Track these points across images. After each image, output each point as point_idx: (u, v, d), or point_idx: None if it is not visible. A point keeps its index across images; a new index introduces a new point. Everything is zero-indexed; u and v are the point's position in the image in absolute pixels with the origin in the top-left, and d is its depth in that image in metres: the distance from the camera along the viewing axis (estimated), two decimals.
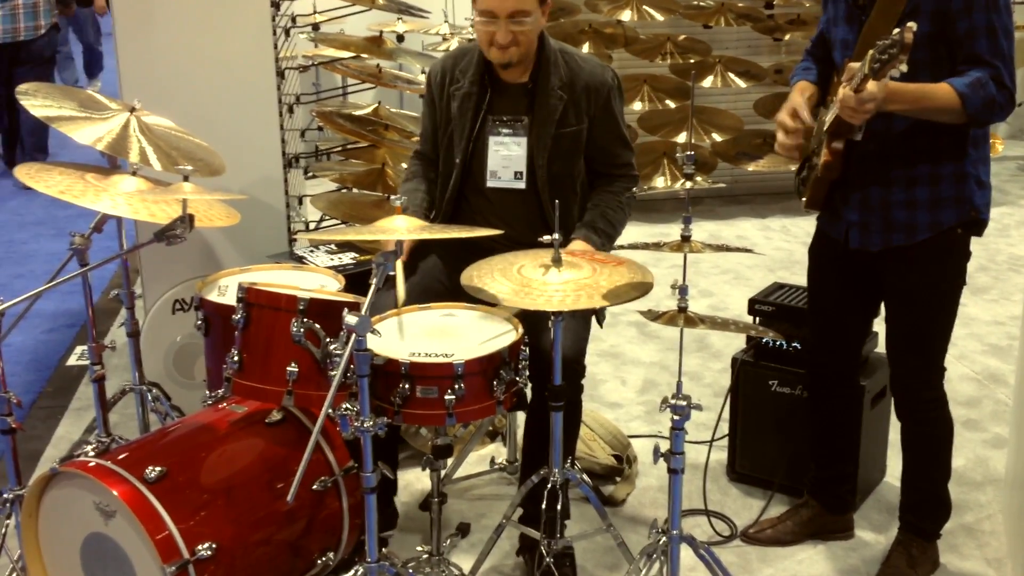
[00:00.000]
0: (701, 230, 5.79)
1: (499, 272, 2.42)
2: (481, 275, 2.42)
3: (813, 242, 2.86)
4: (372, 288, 2.21)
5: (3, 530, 2.58)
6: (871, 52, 2.24)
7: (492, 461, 3.33)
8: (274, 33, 3.44)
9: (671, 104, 5.87)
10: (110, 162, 2.84)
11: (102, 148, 2.68)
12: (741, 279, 5.09)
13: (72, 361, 4.30)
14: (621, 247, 2.74)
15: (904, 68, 2.19)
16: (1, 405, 2.45)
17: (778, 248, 5.58)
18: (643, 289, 2.32)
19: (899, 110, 2.42)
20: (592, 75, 2.86)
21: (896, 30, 2.18)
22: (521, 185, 2.88)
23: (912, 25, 2.16)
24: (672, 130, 5.92)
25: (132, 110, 2.82)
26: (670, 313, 2.30)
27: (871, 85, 2.30)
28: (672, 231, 5.70)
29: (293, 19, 4.34)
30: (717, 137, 5.95)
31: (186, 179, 2.49)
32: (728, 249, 2.47)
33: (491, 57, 2.82)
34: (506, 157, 2.89)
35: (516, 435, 3.28)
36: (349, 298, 2.49)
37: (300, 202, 4.18)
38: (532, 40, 2.80)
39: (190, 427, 2.57)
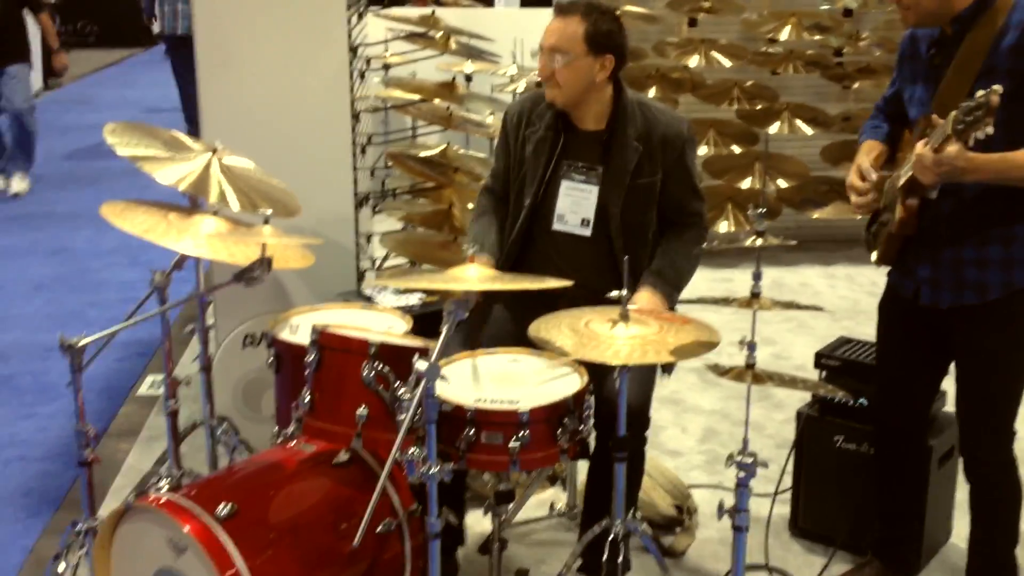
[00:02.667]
0: (765, 277, 5.71)
1: (567, 325, 2.44)
2: (548, 328, 2.44)
3: (883, 298, 2.85)
4: (443, 335, 2.24)
5: (76, 561, 2.64)
6: (954, 113, 2.24)
7: (552, 506, 3.34)
8: (351, 76, 3.52)
9: (736, 149, 5.87)
10: (191, 201, 2.92)
11: (184, 188, 2.76)
12: (805, 328, 5.05)
13: (143, 391, 4.39)
14: (690, 301, 2.75)
15: (990, 131, 2.20)
16: (80, 437, 2.52)
17: (843, 297, 5.53)
18: (709, 347, 2.33)
19: (980, 180, 2.41)
20: (668, 127, 2.89)
21: (981, 92, 2.18)
22: (587, 232, 2.91)
23: (998, 88, 2.16)
24: (737, 175, 5.92)
25: (214, 151, 2.90)
26: (737, 369, 2.30)
27: (952, 149, 2.29)
28: (734, 276, 5.70)
29: (368, 61, 4.43)
30: (783, 183, 5.93)
31: (266, 222, 2.55)
32: (797, 307, 2.46)
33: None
34: (576, 202, 2.92)
35: (576, 480, 3.29)
36: (419, 343, 2.52)
37: (368, 240, 4.25)
38: (573, 84, 2.83)
39: (260, 465, 2.62)
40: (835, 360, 3.17)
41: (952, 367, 2.74)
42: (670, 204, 2.95)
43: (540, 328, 2.45)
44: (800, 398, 3.35)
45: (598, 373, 2.56)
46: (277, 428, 2.72)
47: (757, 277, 2.29)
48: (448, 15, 4.58)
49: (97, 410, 4.16)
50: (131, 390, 4.40)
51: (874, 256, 2.76)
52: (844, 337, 3.33)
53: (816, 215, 5.94)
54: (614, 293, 2.43)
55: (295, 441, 2.68)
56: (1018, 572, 2.79)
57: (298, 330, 2.77)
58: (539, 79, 2.92)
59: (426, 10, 4.48)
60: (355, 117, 3.62)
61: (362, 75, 4.07)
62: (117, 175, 8.01)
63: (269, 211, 2.60)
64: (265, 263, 2.43)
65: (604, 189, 2.88)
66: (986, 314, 2.58)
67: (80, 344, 2.47)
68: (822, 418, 3.17)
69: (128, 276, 5.87)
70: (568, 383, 2.52)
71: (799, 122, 5.84)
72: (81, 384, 2.50)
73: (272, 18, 3.39)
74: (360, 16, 3.89)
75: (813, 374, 3.22)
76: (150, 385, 4.42)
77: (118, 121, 2.86)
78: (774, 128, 5.83)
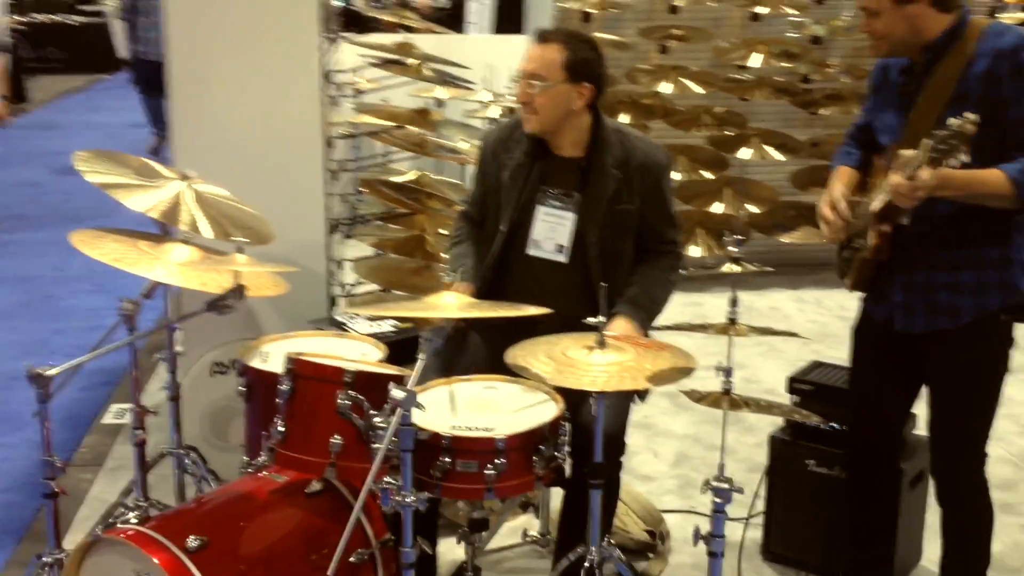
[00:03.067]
0: None
1: (543, 352, 2.44)
2: (525, 355, 2.44)
3: (857, 323, 2.86)
4: (419, 362, 2.23)
5: None
6: (928, 141, 2.27)
7: (524, 533, 3.32)
8: (323, 103, 3.51)
9: (707, 175, 5.91)
10: (161, 229, 2.89)
11: (155, 216, 2.73)
12: (775, 351, 5.08)
13: (108, 420, 4.33)
14: (667, 328, 2.76)
15: (965, 158, 2.21)
16: (46, 468, 2.47)
17: (812, 321, 5.57)
18: (686, 373, 2.34)
19: (950, 195, 2.44)
20: (647, 155, 2.91)
21: (955, 120, 2.20)
22: (561, 259, 2.91)
23: (973, 116, 2.18)
24: (707, 200, 5.96)
25: (185, 178, 2.87)
26: (714, 395, 2.31)
27: (924, 173, 2.32)
28: (704, 300, 5.72)
29: (340, 87, 4.42)
30: (752, 208, 5.98)
31: (240, 251, 2.53)
32: (774, 333, 2.47)
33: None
34: (551, 228, 2.92)
35: (549, 507, 3.27)
36: (395, 370, 2.51)
37: (339, 266, 4.23)
38: (550, 110, 2.83)
39: (230, 495, 2.58)
40: (808, 384, 3.18)
41: (924, 390, 2.77)
42: (647, 231, 2.95)
43: (517, 355, 2.44)
44: (771, 422, 3.36)
45: (574, 400, 2.56)
46: (247, 458, 2.69)
47: (734, 303, 2.30)
48: (422, 42, 4.58)
49: (60, 440, 4.09)
50: (95, 419, 4.34)
51: (848, 282, 2.77)
52: (816, 361, 3.35)
53: (785, 239, 5.99)
54: (591, 320, 2.43)
55: (266, 471, 2.65)
56: None
57: (269, 358, 2.74)
58: (515, 104, 2.93)
59: (400, 37, 4.48)
60: (327, 143, 3.61)
61: (334, 101, 4.06)
62: (84, 201, 7.93)
63: (245, 240, 2.58)
64: (238, 292, 2.40)
65: (582, 216, 2.89)
66: (959, 338, 2.60)
67: (48, 374, 2.43)
68: (794, 442, 3.18)
69: (94, 303, 5.80)
70: (544, 410, 2.51)
71: (768, 148, 5.90)
72: (48, 414, 2.45)
73: (245, 44, 3.38)
74: (333, 42, 3.89)
75: (784, 397, 3.23)
76: (114, 414, 4.36)
77: (84, 146, 2.84)
78: (744, 154, 5.88)
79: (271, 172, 3.44)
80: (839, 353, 2.96)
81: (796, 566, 3.19)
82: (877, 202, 2.55)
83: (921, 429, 2.86)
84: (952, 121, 2.21)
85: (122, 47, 8.67)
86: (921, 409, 2.81)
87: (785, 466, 3.20)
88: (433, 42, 5.64)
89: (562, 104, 2.83)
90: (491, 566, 3.21)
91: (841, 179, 2.76)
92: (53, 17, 15.69)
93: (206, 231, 2.73)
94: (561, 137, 2.90)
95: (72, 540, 3.07)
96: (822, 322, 5.53)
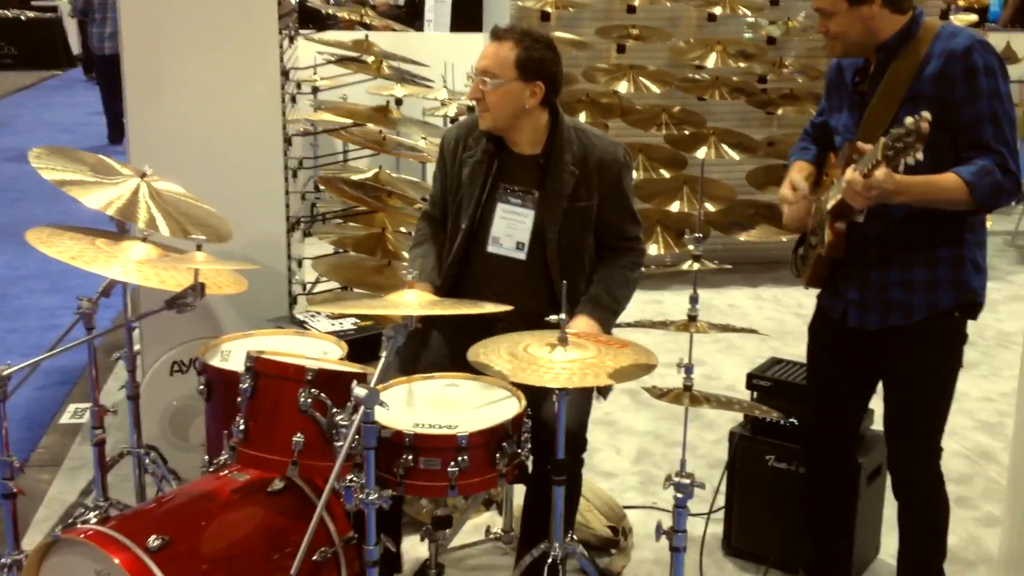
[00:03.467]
0: None
1: (505, 350, 2.45)
2: (487, 352, 2.44)
3: (813, 320, 2.90)
4: (382, 360, 2.23)
5: None
6: (883, 140, 2.30)
7: (488, 530, 3.33)
8: (282, 100, 3.49)
9: (665, 174, 5.95)
10: (119, 227, 2.87)
11: (112, 213, 2.71)
12: (733, 348, 5.13)
13: (65, 420, 4.28)
14: (628, 325, 2.78)
15: (920, 156, 2.24)
16: (3, 469, 2.44)
17: (770, 318, 5.63)
18: (647, 370, 2.36)
19: (907, 201, 2.48)
20: (605, 152, 2.92)
21: (910, 119, 2.24)
22: (521, 256, 2.92)
23: (927, 115, 2.22)
24: (666, 198, 6.00)
25: (143, 176, 2.85)
26: (676, 392, 2.33)
27: (880, 172, 2.35)
28: (665, 298, 5.76)
29: (298, 85, 4.40)
30: (710, 207, 6.03)
31: (199, 248, 2.51)
32: (734, 330, 2.50)
33: None
34: (511, 225, 2.93)
35: (512, 504, 3.28)
36: (357, 368, 2.50)
37: (300, 264, 4.21)
38: (501, 108, 2.84)
39: (192, 495, 2.56)
40: (766, 380, 3.22)
41: (880, 386, 2.81)
42: (607, 229, 2.97)
43: (479, 352, 2.45)
44: (731, 418, 3.39)
45: (535, 396, 2.57)
46: (208, 457, 2.68)
47: (694, 300, 2.32)
48: (380, 39, 4.57)
49: (17, 439, 4.03)
50: (53, 419, 4.28)
51: (803, 279, 2.81)
52: (775, 358, 3.39)
53: (743, 237, 6.04)
54: (552, 317, 2.44)
55: (227, 469, 2.63)
56: None
57: (230, 356, 2.73)
58: (472, 102, 2.94)
59: (357, 34, 4.47)
60: (287, 141, 3.59)
61: (293, 99, 4.04)
62: (37, 199, 7.81)
63: (203, 237, 2.56)
64: (198, 289, 2.39)
65: (540, 214, 2.90)
66: (912, 335, 2.64)
67: (4, 373, 2.40)
68: (754, 438, 3.22)
69: (49, 302, 5.72)
70: (506, 407, 2.52)
71: (725, 147, 5.95)
72: (5, 413, 2.42)
73: (203, 41, 3.36)
74: (291, 40, 3.87)
75: (743, 394, 3.27)
76: (73, 414, 4.31)
77: (37, 143, 2.81)
78: (701, 153, 5.93)
79: (231, 170, 3.41)
80: (797, 350, 3.00)
81: (756, 560, 3.22)
82: (831, 200, 2.59)
83: (878, 424, 2.90)
84: (908, 120, 2.24)
85: (76, 43, 8.58)
86: (878, 404, 2.85)
87: (745, 462, 3.23)
88: (391, 40, 5.64)
89: (514, 102, 2.84)
90: (455, 563, 3.22)
91: (800, 171, 2.80)
92: (4, 12, 15.44)
93: (164, 229, 2.70)
94: (518, 134, 2.91)
95: (31, 541, 3.03)
96: (780, 319, 5.60)
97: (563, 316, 2.45)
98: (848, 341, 2.75)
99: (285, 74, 3.58)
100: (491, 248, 2.94)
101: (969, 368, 4.91)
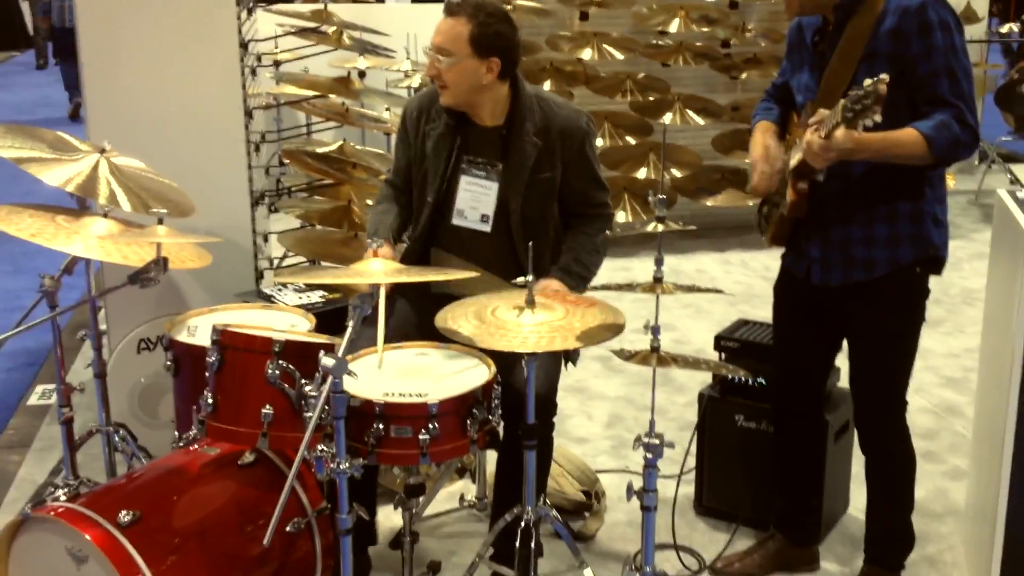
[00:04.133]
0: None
1: (473, 314, 2.45)
2: (455, 317, 2.44)
3: (777, 279, 2.92)
4: (349, 330, 2.22)
5: None
6: (843, 101, 2.31)
7: (461, 498, 3.34)
8: (242, 73, 3.46)
9: (631, 140, 5.96)
10: (79, 203, 2.84)
11: (71, 190, 2.68)
12: (703, 313, 5.16)
13: (33, 401, 4.24)
14: (594, 288, 2.78)
15: (878, 119, 2.26)
16: None
17: (738, 282, 5.67)
18: (615, 331, 2.36)
19: (867, 158, 2.49)
20: (568, 120, 2.91)
21: (869, 81, 2.25)
22: (486, 228, 2.91)
23: (885, 77, 2.23)
24: (632, 165, 6.00)
25: (102, 151, 2.82)
26: (643, 353, 2.34)
27: (840, 133, 2.37)
28: (633, 265, 5.78)
29: (259, 57, 4.36)
30: (676, 173, 6.04)
31: (160, 222, 2.49)
32: (699, 290, 2.51)
33: None
34: (475, 198, 2.92)
35: (485, 471, 3.29)
36: (324, 339, 2.50)
37: (266, 239, 4.18)
38: (458, 84, 2.80)
39: (162, 470, 2.55)
40: (734, 342, 3.24)
41: (845, 343, 2.84)
42: (574, 197, 2.97)
43: (447, 318, 2.45)
44: (701, 381, 3.42)
45: (505, 361, 2.57)
46: (177, 433, 2.67)
47: (659, 262, 2.33)
48: (340, 10, 4.53)
49: None
50: (20, 401, 4.25)
51: (766, 237, 2.83)
52: (742, 319, 3.41)
53: (710, 203, 6.07)
54: (519, 280, 2.44)
55: (197, 444, 2.63)
56: (914, 538, 2.89)
57: (197, 332, 2.71)
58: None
59: (317, 5, 4.42)
60: (248, 114, 3.56)
61: (253, 72, 4.00)
62: None
63: (164, 211, 2.54)
64: (161, 263, 2.37)
65: (504, 185, 2.89)
66: (875, 291, 2.67)
67: None
68: (723, 399, 3.25)
69: (11, 284, 5.65)
70: (476, 374, 2.53)
71: (690, 112, 5.96)
72: None
73: (160, 13, 3.31)
74: (250, 12, 3.82)
75: (714, 357, 3.29)
76: (40, 395, 4.27)
77: None
78: (666, 119, 5.93)
79: (191, 145, 3.37)
80: (765, 312, 3.02)
81: (727, 519, 3.25)
82: (793, 160, 2.60)
83: (844, 382, 2.93)
84: (867, 82, 2.25)
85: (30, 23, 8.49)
86: (844, 362, 2.88)
87: (715, 422, 3.26)
88: (352, 11, 5.58)
89: (470, 79, 2.80)
90: (429, 531, 3.23)
91: (765, 131, 2.81)
92: None
93: (125, 204, 2.68)
94: (478, 108, 2.89)
95: (1, 522, 3.01)
96: (747, 283, 5.63)
97: (530, 278, 2.45)
98: (812, 299, 2.78)
99: (244, 46, 3.54)
100: (456, 221, 2.93)
101: (934, 325, 4.99)
